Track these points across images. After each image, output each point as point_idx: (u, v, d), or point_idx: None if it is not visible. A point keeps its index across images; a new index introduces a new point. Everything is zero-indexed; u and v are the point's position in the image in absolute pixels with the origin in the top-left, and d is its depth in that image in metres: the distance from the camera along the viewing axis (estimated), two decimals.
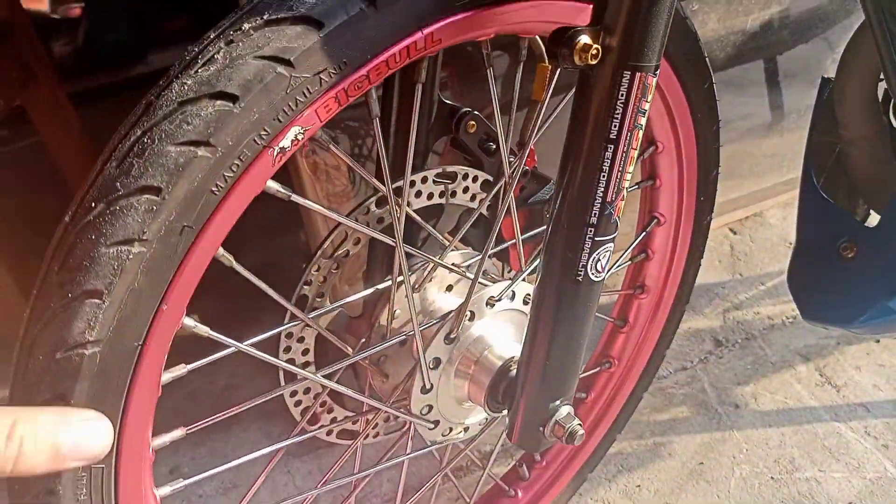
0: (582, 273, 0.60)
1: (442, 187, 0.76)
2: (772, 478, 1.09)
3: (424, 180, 0.74)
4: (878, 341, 1.31)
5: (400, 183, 0.66)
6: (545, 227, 0.62)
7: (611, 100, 0.53)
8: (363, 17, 0.48)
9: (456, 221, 0.83)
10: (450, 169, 0.76)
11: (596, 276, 0.61)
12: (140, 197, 0.43)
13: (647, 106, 0.55)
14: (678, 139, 0.82)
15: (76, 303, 0.43)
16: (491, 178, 0.80)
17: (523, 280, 0.75)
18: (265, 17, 0.45)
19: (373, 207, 0.72)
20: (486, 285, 0.72)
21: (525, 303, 0.76)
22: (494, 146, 0.79)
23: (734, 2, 1.33)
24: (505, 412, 0.74)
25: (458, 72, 1.04)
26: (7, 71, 1.70)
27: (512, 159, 0.75)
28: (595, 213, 0.58)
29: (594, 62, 0.52)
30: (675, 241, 0.92)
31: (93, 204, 0.43)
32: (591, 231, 0.58)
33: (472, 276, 0.70)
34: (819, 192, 0.97)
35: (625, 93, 0.53)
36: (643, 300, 0.96)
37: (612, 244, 0.61)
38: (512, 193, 0.71)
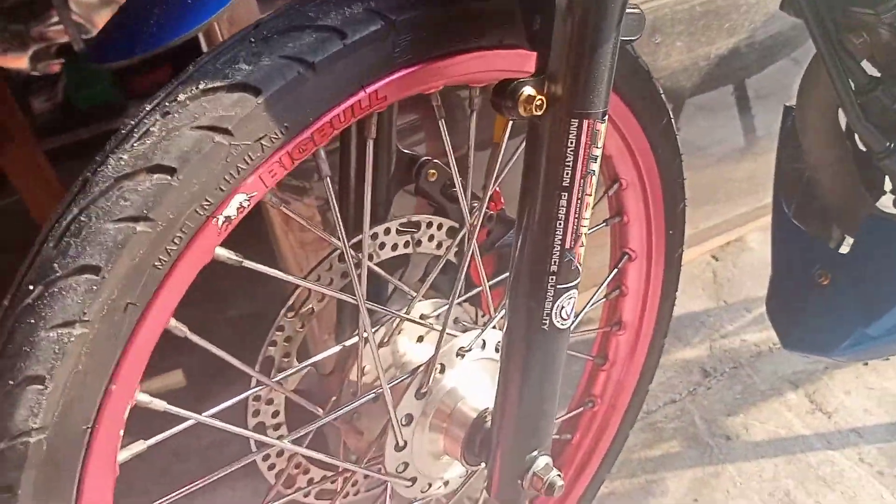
0: (547, 321, 0.59)
1: (407, 237, 0.76)
2: None
3: (388, 231, 0.73)
4: (865, 364, 1.29)
5: (359, 238, 0.65)
6: (508, 275, 0.61)
7: (561, 148, 0.53)
8: (302, 81, 0.47)
9: (424, 269, 0.83)
10: (414, 218, 0.76)
11: (561, 324, 0.60)
12: (79, 277, 0.42)
13: (597, 152, 0.55)
14: (641, 175, 0.82)
15: (17, 390, 0.42)
16: (456, 225, 0.79)
17: (493, 327, 0.74)
18: (201, 87, 0.45)
19: (336, 263, 0.71)
20: (455, 336, 0.71)
21: (497, 350, 0.75)
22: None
23: (697, 32, 1.35)
24: (483, 465, 0.72)
25: (423, 116, 1.04)
26: None
27: (476, 204, 0.74)
28: (555, 262, 0.57)
29: (540, 112, 0.52)
30: (648, 276, 0.91)
31: (31, 287, 0.43)
32: (552, 279, 0.58)
33: (439, 328, 0.69)
34: (790, 220, 0.97)
35: (574, 140, 0.53)
36: (621, 336, 0.95)
37: (575, 291, 0.60)
38: (475, 240, 0.71)
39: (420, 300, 0.73)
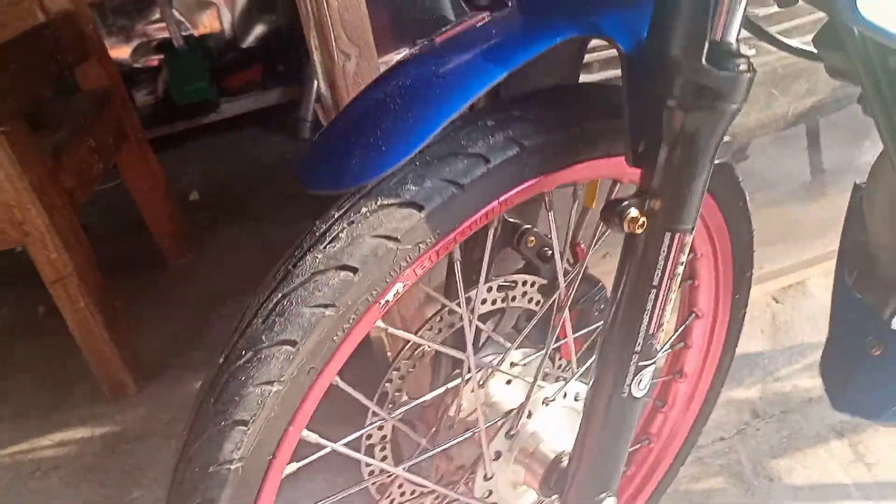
0: (626, 391, 0.70)
1: (504, 294, 0.87)
2: None
3: (490, 290, 0.85)
4: None
5: (469, 295, 0.77)
6: (597, 348, 0.73)
7: (654, 256, 0.64)
8: (453, 198, 0.59)
9: (515, 319, 0.94)
10: (511, 278, 0.87)
11: (638, 393, 0.71)
12: (280, 348, 0.55)
13: (684, 258, 0.65)
14: (715, 248, 0.92)
15: (227, 429, 0.56)
16: (546, 282, 0.90)
17: (575, 380, 0.85)
18: (378, 203, 0.57)
19: (444, 315, 0.83)
20: (542, 387, 0.83)
21: (576, 399, 0.86)
22: (550, 252, 0.89)
23: (777, 92, 1.41)
24: (555, 497, 0.84)
25: None
26: (106, 135, 1.88)
27: (568, 268, 0.85)
28: (640, 344, 0.68)
29: (641, 231, 0.63)
30: (712, 333, 1.01)
31: (243, 352, 0.56)
32: (635, 357, 0.69)
33: (529, 381, 0.81)
34: (849, 290, 1.05)
35: (665, 250, 0.64)
36: (681, 384, 1.05)
37: (653, 366, 0.71)
38: (569, 300, 0.82)
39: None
